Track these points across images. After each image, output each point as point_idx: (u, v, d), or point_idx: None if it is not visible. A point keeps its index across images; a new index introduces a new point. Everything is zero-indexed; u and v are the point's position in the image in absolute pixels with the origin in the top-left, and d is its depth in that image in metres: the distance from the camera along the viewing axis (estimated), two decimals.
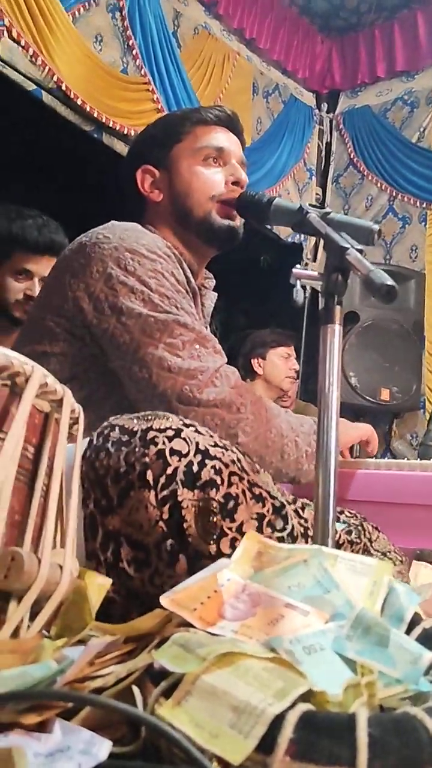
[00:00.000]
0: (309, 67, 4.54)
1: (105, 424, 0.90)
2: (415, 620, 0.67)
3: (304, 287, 0.98)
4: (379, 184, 4.40)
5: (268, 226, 3.52)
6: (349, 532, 1.29)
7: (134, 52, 3.46)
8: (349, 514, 1.37)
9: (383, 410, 3.95)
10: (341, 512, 1.38)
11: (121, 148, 3.32)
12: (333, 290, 0.92)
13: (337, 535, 1.26)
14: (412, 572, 1.27)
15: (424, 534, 1.40)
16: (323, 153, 4.70)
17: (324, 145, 4.70)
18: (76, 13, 3.21)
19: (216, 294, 1.54)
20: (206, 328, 1.51)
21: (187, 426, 0.87)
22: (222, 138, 1.41)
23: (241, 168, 1.41)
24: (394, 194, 4.33)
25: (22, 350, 1.26)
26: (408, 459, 4.15)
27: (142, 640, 0.66)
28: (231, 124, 1.45)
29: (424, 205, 4.21)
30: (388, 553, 1.29)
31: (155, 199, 1.40)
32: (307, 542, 0.91)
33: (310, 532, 0.92)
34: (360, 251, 0.88)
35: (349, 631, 0.61)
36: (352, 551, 1.27)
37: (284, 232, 4.29)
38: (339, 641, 0.60)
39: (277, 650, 0.58)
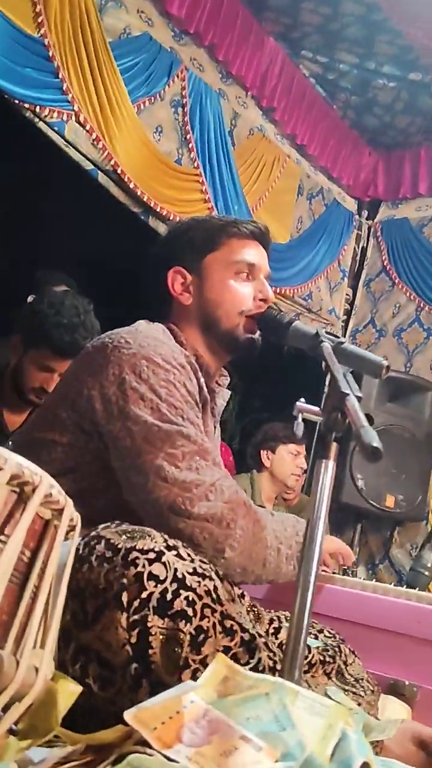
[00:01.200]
0: (354, 175, 4.77)
1: (93, 534, 0.93)
2: None
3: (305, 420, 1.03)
4: (408, 294, 4.53)
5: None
6: (324, 652, 1.30)
7: (190, 145, 3.68)
8: (328, 634, 1.39)
9: (386, 516, 3.95)
10: (320, 630, 1.40)
11: (165, 231, 3.49)
12: (331, 427, 0.97)
13: (311, 654, 1.27)
14: (381, 704, 1.27)
15: (399, 664, 1.41)
16: (358, 257, 4.88)
17: (360, 249, 4.88)
18: (141, 105, 3.45)
19: (229, 392, 1.59)
20: (215, 427, 1.56)
21: (170, 549, 0.91)
22: (254, 253, 1.48)
23: (267, 283, 1.49)
24: (421, 305, 4.45)
25: (34, 434, 1.32)
26: (406, 568, 4.09)
27: (102, 752, 0.70)
28: (263, 239, 1.52)
29: None
30: (361, 681, 1.30)
31: (184, 302, 1.46)
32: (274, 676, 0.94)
33: (278, 666, 0.93)
34: (359, 398, 0.94)
35: None
36: (325, 672, 1.29)
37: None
38: None
39: None
